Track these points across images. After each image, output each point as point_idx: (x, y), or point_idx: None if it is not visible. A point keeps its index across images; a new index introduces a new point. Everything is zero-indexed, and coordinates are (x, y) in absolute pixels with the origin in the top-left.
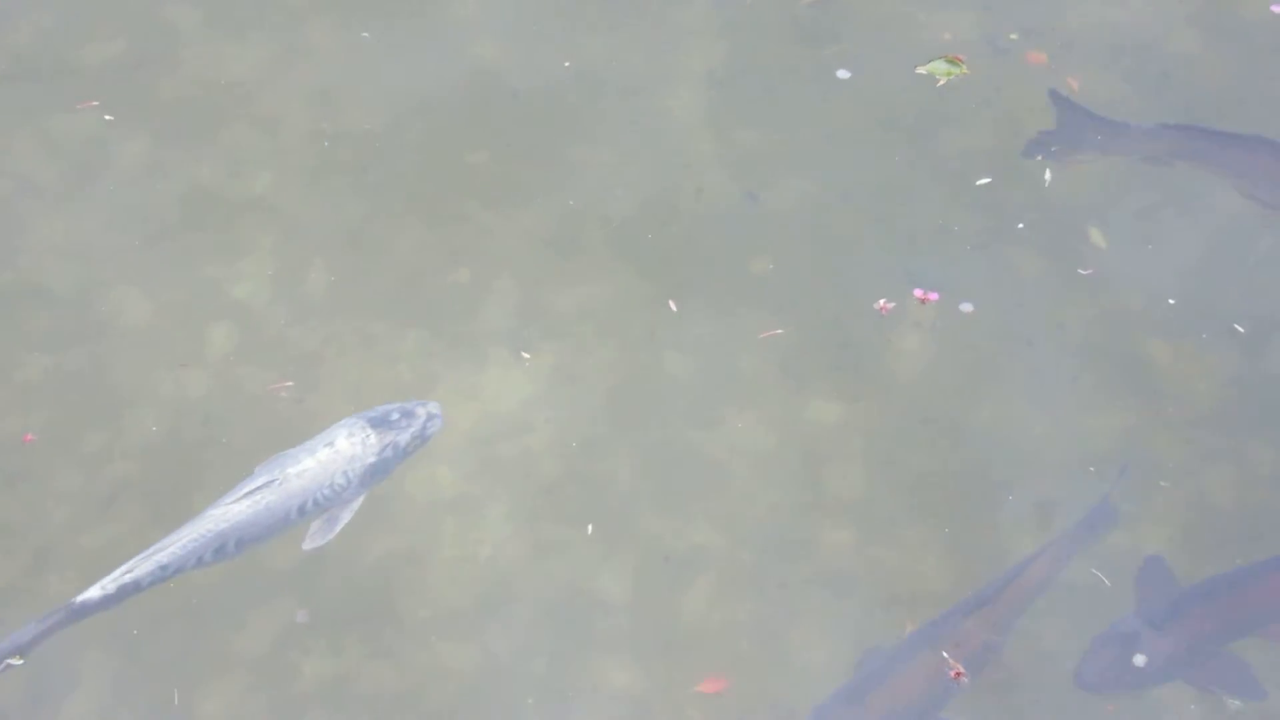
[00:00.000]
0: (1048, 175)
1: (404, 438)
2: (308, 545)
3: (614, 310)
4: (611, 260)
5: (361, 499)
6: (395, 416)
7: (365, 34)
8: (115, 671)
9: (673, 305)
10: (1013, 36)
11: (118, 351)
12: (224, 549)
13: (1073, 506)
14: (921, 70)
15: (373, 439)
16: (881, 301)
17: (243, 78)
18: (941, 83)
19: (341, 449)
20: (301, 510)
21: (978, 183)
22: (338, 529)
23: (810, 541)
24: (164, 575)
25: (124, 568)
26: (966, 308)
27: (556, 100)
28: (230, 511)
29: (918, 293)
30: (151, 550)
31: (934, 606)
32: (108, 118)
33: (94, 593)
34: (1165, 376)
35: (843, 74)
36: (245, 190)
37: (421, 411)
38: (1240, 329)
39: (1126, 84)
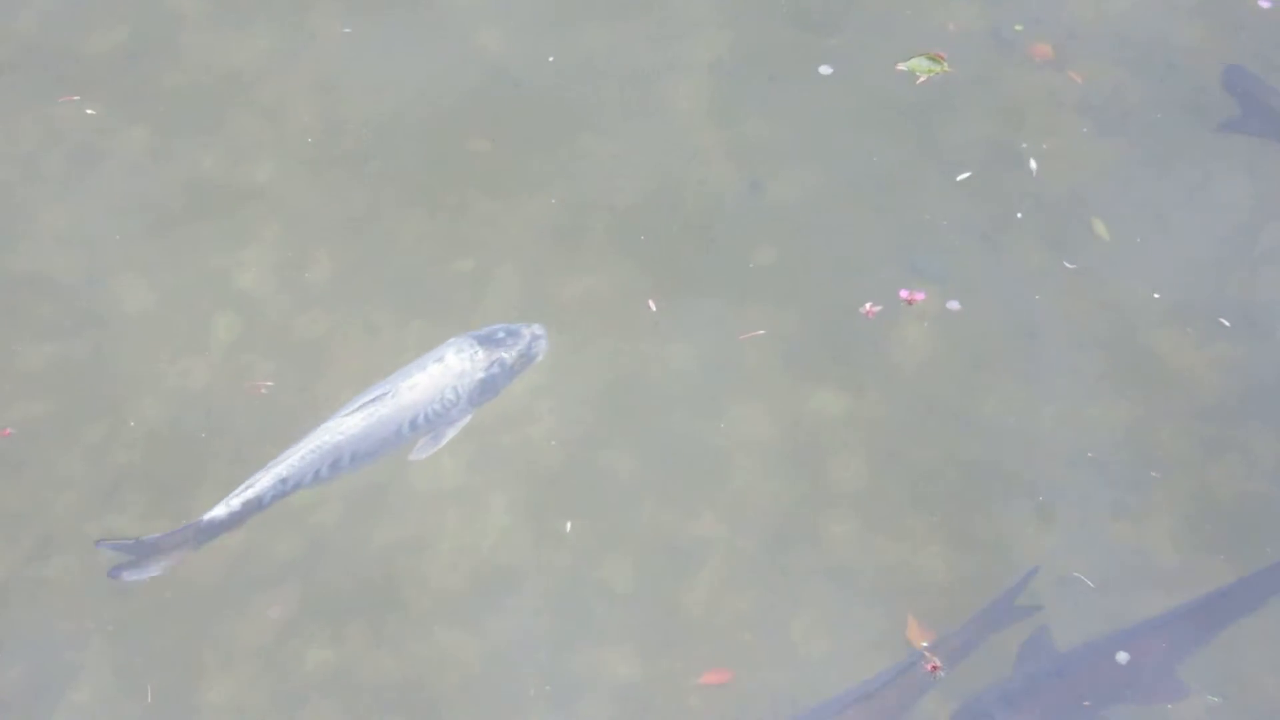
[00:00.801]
0: (1033, 164)
1: (510, 356)
2: (414, 456)
3: (617, 300)
4: (614, 250)
5: (468, 419)
6: (501, 335)
7: (368, 23)
8: (118, 661)
9: (652, 305)
10: (1018, 28)
11: (120, 340)
12: (339, 463)
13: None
14: (902, 67)
15: (481, 355)
16: (868, 305)
17: (245, 66)
18: (921, 80)
19: (451, 364)
20: (413, 425)
21: (981, 174)
22: (442, 444)
23: (813, 533)
24: (283, 490)
25: (245, 484)
26: (954, 305)
27: (559, 90)
28: (345, 425)
29: (904, 294)
30: (271, 465)
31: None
32: (89, 112)
33: (220, 511)
34: (1169, 367)
35: (828, 70)
36: (248, 179)
37: (526, 332)
38: (1242, 320)
39: (1131, 76)
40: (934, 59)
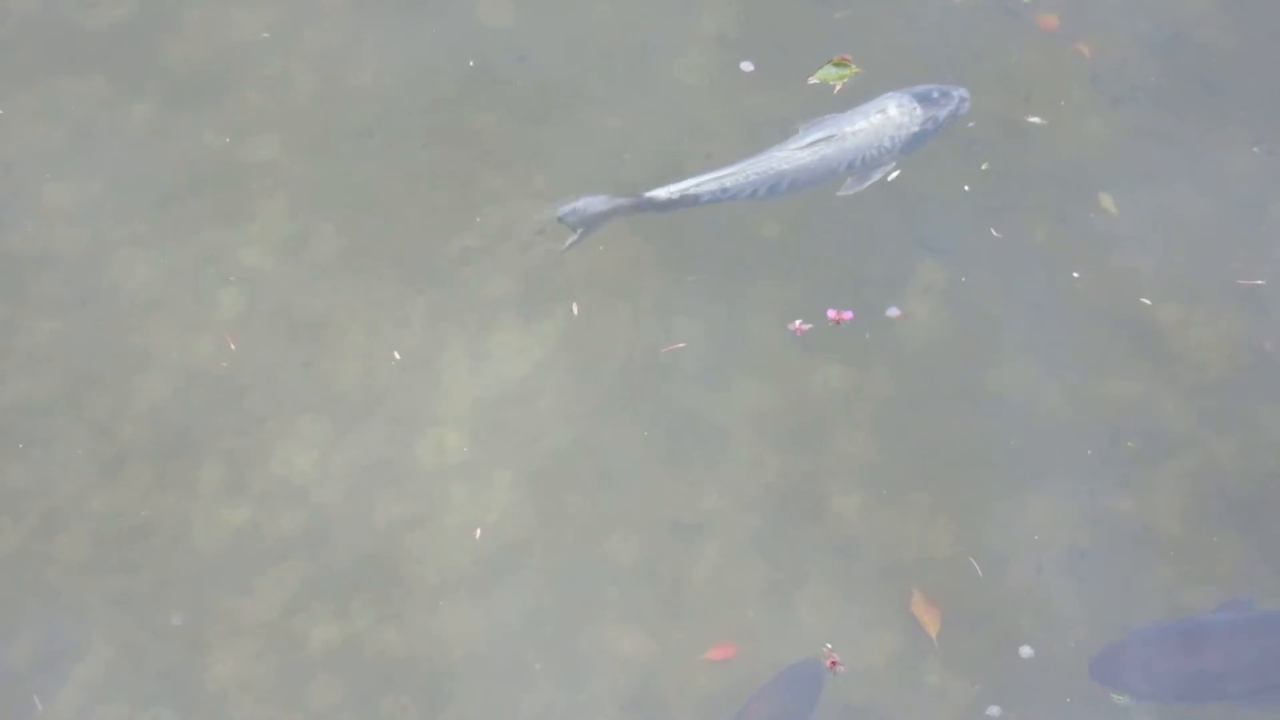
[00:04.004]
0: (1040, 138)
1: (942, 113)
2: (841, 192)
3: (623, 275)
4: (620, 225)
5: (892, 167)
6: (935, 95)
7: None
8: (125, 636)
9: (574, 308)
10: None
11: (124, 316)
12: (776, 187)
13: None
14: (814, 80)
15: (918, 110)
16: (797, 322)
17: (249, 41)
18: (838, 89)
19: (892, 116)
20: (850, 166)
21: (987, 147)
22: (867, 185)
23: (818, 507)
24: (722, 196)
25: (692, 180)
26: (893, 313)
27: (564, 64)
28: (793, 156)
29: (831, 313)
30: (717, 172)
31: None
32: (91, 87)
33: (660, 192)
34: (1176, 343)
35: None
36: (251, 154)
37: (955, 94)
38: (1250, 295)
39: (1139, 45)
40: (840, 64)
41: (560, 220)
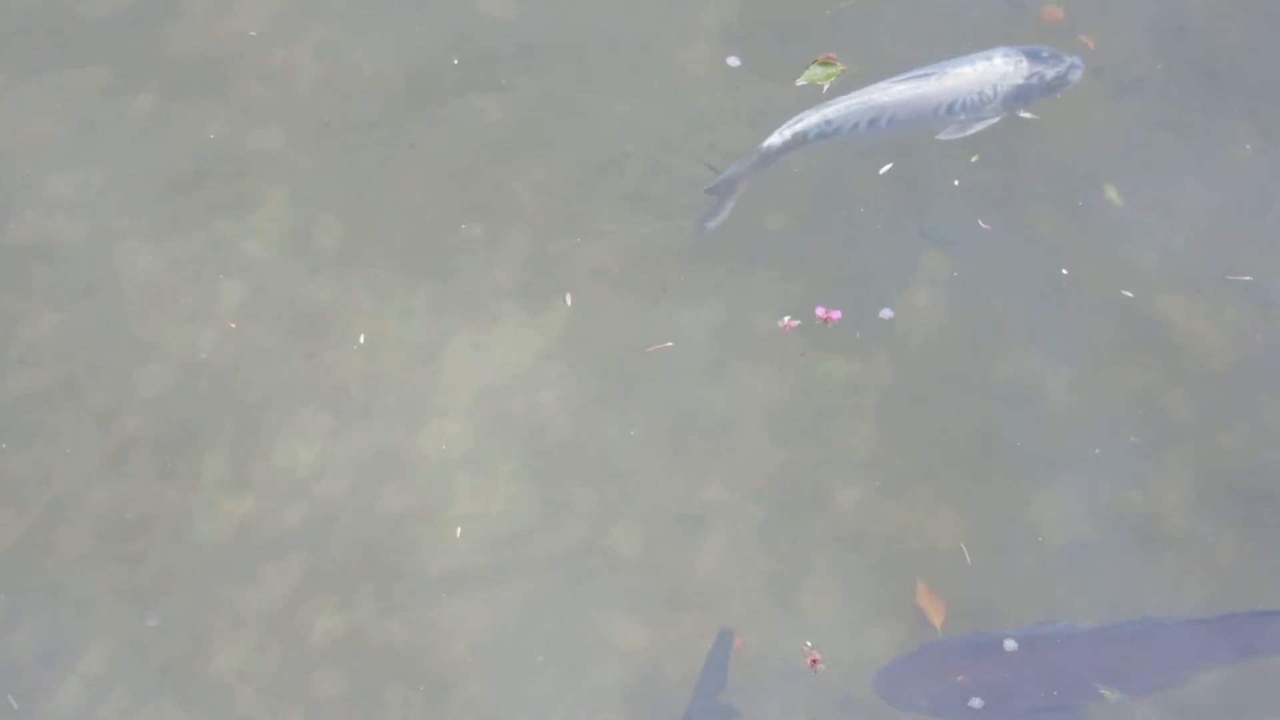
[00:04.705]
0: (1045, 129)
1: (1050, 73)
2: (941, 136)
3: (626, 265)
4: (624, 215)
5: (995, 120)
6: (1045, 54)
7: None
8: (127, 627)
9: (568, 299)
10: None
11: (127, 307)
12: (877, 122)
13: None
14: (801, 82)
15: (1024, 64)
16: (786, 319)
17: (252, 31)
18: (826, 89)
19: (996, 65)
20: (949, 109)
21: (992, 139)
22: (968, 133)
23: (822, 498)
24: (825, 130)
25: (795, 119)
26: (887, 314)
27: (567, 53)
28: (893, 89)
29: (819, 311)
30: (820, 107)
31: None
32: (93, 79)
33: (774, 139)
34: (1180, 334)
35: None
36: (254, 145)
37: (1068, 59)
38: (1254, 286)
39: (1144, 37)
40: (825, 63)
41: (707, 193)
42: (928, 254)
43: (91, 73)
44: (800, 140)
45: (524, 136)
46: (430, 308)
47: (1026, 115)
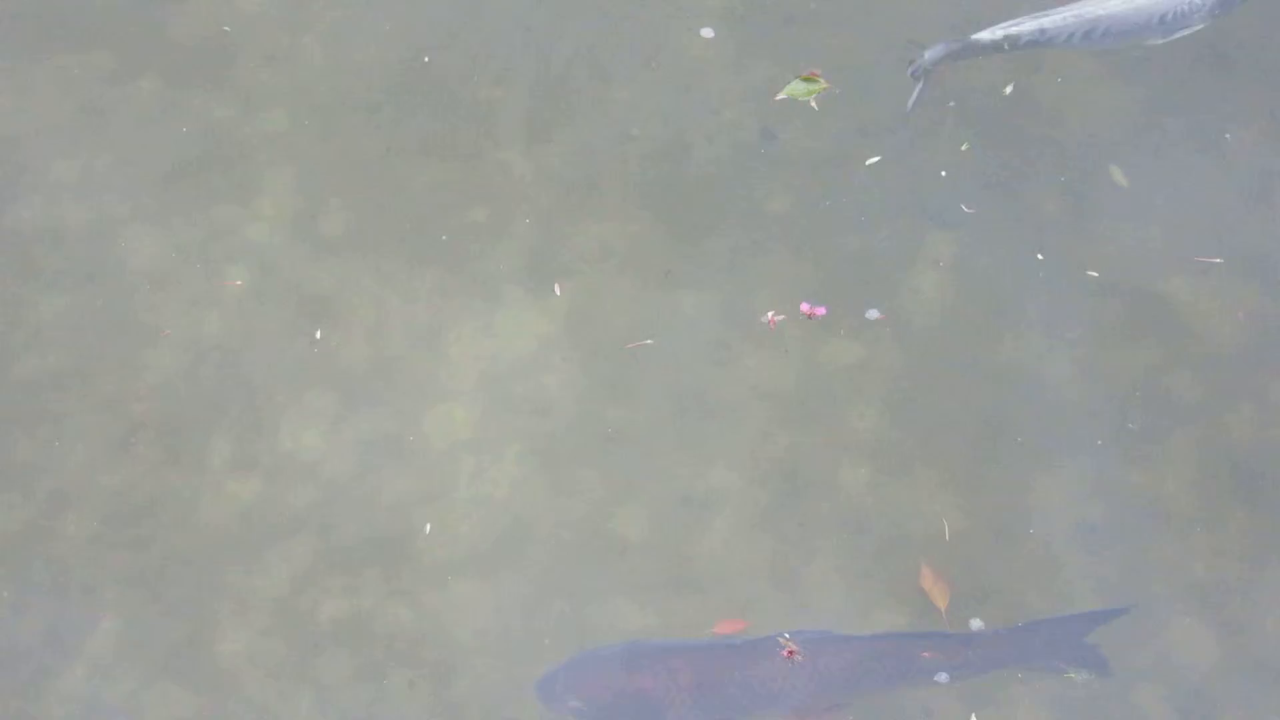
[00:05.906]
0: (1051, 111)
1: None
2: (1150, 42)
3: (630, 249)
4: (628, 199)
5: (1201, 28)
6: None
7: None
8: (134, 611)
9: (557, 289)
10: None
11: (132, 292)
12: (1091, 34)
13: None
14: (782, 96)
15: None
16: (770, 314)
17: (256, 15)
18: (814, 104)
19: None
20: (1162, 20)
21: (998, 120)
22: (1173, 38)
23: (827, 481)
24: (1040, 39)
25: (1010, 22)
26: (873, 314)
27: (572, 38)
28: (1109, 3)
29: (804, 307)
30: (1036, 16)
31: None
32: (98, 63)
33: (985, 35)
34: (1185, 315)
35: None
36: (259, 129)
37: None
38: (1259, 267)
39: None
40: (809, 79)
41: (911, 75)
42: (933, 235)
43: (95, 57)
44: (1011, 43)
45: (528, 120)
46: (435, 291)
47: (1008, 90)
